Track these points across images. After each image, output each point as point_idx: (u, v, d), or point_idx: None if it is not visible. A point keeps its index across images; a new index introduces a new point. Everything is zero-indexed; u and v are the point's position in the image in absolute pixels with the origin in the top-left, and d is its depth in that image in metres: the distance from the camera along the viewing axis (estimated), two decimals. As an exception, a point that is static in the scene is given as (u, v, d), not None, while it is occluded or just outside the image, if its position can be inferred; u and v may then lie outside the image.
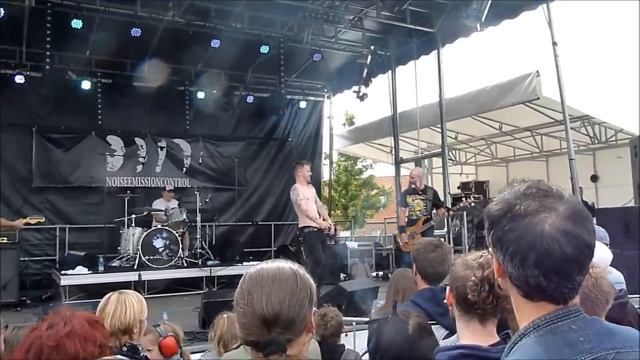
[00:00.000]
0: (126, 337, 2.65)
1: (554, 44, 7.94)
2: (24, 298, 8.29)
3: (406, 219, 8.38)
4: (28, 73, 9.80)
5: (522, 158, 14.77)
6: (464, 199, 8.70)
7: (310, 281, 1.46)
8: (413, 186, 8.35)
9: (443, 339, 2.66)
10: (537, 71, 9.05)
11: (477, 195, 12.35)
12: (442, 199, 8.96)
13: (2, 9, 8.18)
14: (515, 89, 9.60)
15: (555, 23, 8.07)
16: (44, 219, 7.07)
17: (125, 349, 2.48)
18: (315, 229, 7.47)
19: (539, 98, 9.40)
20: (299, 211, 7.59)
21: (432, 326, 2.65)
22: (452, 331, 2.66)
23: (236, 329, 3.35)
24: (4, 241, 8.25)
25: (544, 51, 8.33)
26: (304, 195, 7.50)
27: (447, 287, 1.87)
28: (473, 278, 1.69)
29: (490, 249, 1.21)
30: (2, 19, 8.24)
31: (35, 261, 10.13)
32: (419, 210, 8.30)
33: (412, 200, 8.28)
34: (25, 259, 9.48)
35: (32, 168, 10.48)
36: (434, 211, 8.31)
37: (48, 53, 9.00)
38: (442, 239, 5.44)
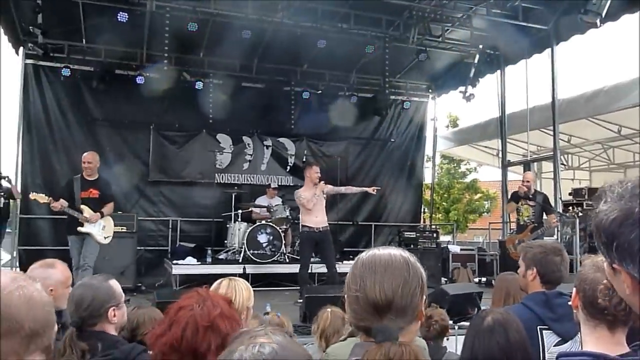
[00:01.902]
0: None
1: (685, 39, 7.31)
2: (139, 284, 8.88)
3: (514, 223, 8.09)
4: (147, 74, 10.47)
5: (644, 164, 13.73)
6: (570, 207, 8.28)
7: (421, 270, 1.46)
8: (526, 189, 8.00)
9: (554, 345, 2.55)
10: (664, 69, 8.38)
11: (590, 203, 11.63)
12: (552, 205, 8.54)
13: (125, 14, 8.82)
14: (637, 89, 8.95)
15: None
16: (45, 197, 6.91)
17: None
18: (309, 230, 7.72)
19: (665, 99, 8.72)
20: (303, 210, 7.82)
21: (544, 331, 2.55)
22: (564, 338, 2.54)
23: (338, 324, 3.39)
24: (123, 230, 8.88)
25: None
26: (305, 197, 7.64)
27: (574, 289, 1.76)
28: (605, 281, 1.58)
29: (614, 265, 1.09)
30: (125, 23, 8.90)
31: (150, 250, 10.76)
32: (527, 216, 7.98)
33: (521, 205, 7.96)
34: (141, 248, 10.06)
35: (149, 163, 11.20)
36: (544, 217, 7.93)
37: (166, 55, 9.58)
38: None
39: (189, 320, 1.69)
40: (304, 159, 12.02)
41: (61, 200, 6.77)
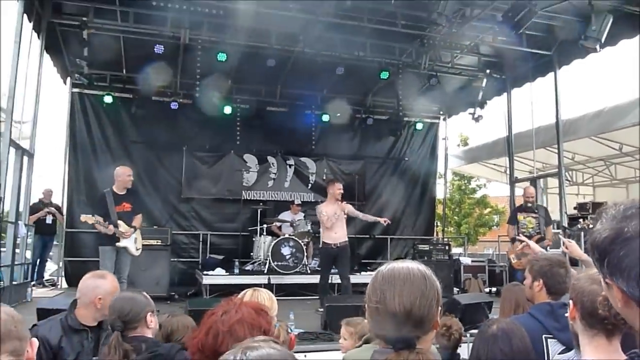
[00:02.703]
0: None
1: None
2: (173, 293, 8.93)
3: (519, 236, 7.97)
4: (181, 100, 10.67)
5: (645, 179, 13.47)
6: (581, 220, 8.13)
7: (437, 283, 1.47)
8: (529, 204, 7.94)
9: (559, 354, 2.52)
10: (662, 90, 8.27)
11: (594, 217, 11.41)
12: (558, 218, 8.43)
13: (162, 46, 9.00)
14: (637, 109, 8.84)
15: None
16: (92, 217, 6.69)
17: None
18: (328, 246, 7.58)
19: (663, 118, 8.58)
20: (322, 227, 7.72)
21: (549, 340, 2.52)
22: (568, 347, 2.51)
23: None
24: (158, 243, 8.97)
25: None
26: (326, 214, 7.51)
27: (571, 302, 1.75)
28: (603, 293, 1.57)
29: (607, 280, 1.12)
30: (161, 54, 9.07)
31: (182, 262, 10.89)
32: (532, 228, 7.89)
33: (524, 218, 7.88)
34: (174, 259, 10.17)
35: (182, 181, 11.34)
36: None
37: (198, 83, 9.74)
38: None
39: (212, 325, 1.76)
40: (324, 177, 12.06)
41: (107, 224, 6.60)
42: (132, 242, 6.84)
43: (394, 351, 1.35)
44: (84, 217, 6.69)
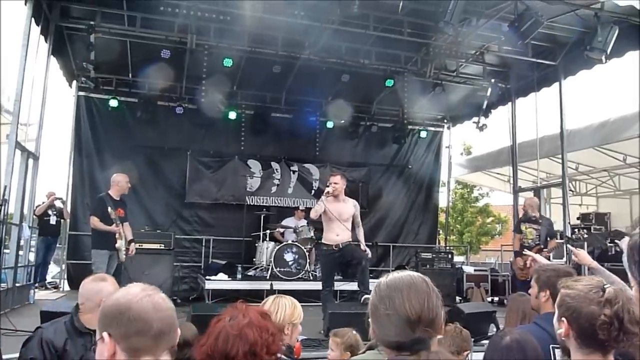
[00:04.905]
0: None
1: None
2: (175, 297, 8.88)
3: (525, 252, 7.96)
4: (186, 105, 10.70)
5: (648, 191, 13.42)
6: (576, 230, 8.14)
7: (435, 288, 1.53)
8: (533, 215, 7.95)
9: (566, 364, 2.50)
10: (667, 102, 8.26)
11: (597, 227, 11.41)
12: (561, 228, 8.40)
13: (168, 51, 9.04)
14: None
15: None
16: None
17: (284, 347, 2.59)
18: (327, 249, 6.47)
19: (668, 130, 8.57)
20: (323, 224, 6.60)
21: (556, 350, 2.51)
22: (576, 357, 2.49)
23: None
24: (161, 247, 8.96)
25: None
26: (320, 207, 6.45)
27: (564, 319, 1.67)
28: (602, 317, 1.54)
29: None
30: (167, 59, 9.10)
31: (185, 266, 10.86)
32: (531, 239, 7.87)
33: (526, 229, 7.87)
34: (177, 264, 10.12)
35: (186, 186, 11.34)
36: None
37: (203, 88, 9.77)
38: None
39: (222, 330, 1.78)
40: (327, 184, 12.01)
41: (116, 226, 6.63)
42: (123, 247, 6.77)
43: (410, 354, 1.37)
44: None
